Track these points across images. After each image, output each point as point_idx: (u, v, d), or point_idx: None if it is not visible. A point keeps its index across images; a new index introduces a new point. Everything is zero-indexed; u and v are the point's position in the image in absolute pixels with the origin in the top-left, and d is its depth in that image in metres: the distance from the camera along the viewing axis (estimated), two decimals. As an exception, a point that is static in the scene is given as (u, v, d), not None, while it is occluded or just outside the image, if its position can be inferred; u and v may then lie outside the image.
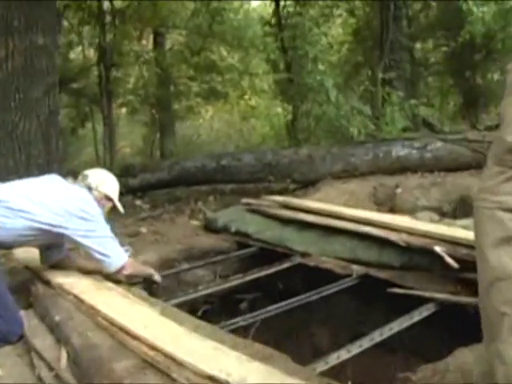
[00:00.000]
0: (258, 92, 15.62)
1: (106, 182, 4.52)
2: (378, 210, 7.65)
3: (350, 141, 9.54)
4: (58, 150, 7.62)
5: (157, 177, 9.74)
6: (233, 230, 6.29)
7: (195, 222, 7.03)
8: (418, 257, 4.67)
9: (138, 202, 9.30)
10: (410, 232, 4.84)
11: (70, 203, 4.19)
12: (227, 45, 15.44)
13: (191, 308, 5.56)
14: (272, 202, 6.57)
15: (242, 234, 6.17)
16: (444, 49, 14.12)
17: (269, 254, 5.77)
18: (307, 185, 8.75)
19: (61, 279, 4.44)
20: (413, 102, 10.30)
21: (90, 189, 4.40)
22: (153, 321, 3.63)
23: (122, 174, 9.67)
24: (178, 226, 6.99)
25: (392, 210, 7.58)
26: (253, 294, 6.13)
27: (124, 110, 16.38)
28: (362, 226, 5.22)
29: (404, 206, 7.53)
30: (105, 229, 4.32)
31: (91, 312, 3.86)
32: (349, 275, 4.86)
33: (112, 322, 3.62)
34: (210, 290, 5.10)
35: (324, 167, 8.78)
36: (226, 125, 18.31)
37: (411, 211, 7.38)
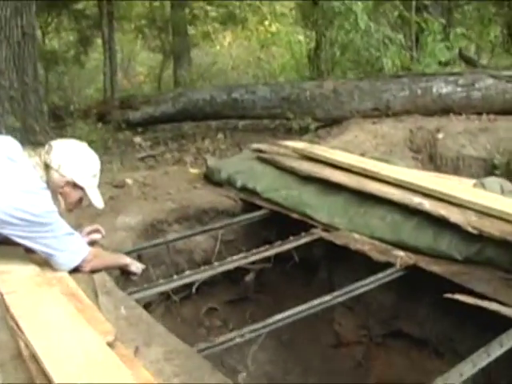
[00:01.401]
0: (279, 17, 13.94)
1: (75, 161, 3.15)
2: (415, 158, 6.23)
3: (381, 74, 7.96)
4: (36, 79, 6.18)
5: (160, 110, 8.35)
6: (238, 184, 4.83)
7: (194, 171, 5.56)
8: (492, 249, 3.20)
9: (138, 139, 7.86)
10: (482, 211, 3.32)
11: (7, 199, 2.88)
12: (246, -35, 13.69)
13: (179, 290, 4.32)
14: (289, 149, 5.04)
15: (249, 191, 4.71)
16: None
17: (282, 219, 4.34)
18: (331, 124, 7.35)
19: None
20: (459, 30, 8.57)
21: (48, 168, 3.08)
22: (89, 357, 2.27)
23: (122, 106, 8.27)
24: (174, 175, 5.52)
25: (431, 159, 6.14)
26: (261, 264, 4.79)
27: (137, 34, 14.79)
28: (411, 195, 3.71)
29: (446, 154, 6.25)
30: (55, 229, 3.05)
31: (12, 330, 2.51)
32: (389, 264, 3.40)
33: (31, 353, 2.32)
34: (201, 275, 3.66)
35: (351, 104, 7.33)
36: (244, 52, 16.72)
37: (455, 161, 5.98)
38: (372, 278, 3.28)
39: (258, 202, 4.53)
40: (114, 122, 8.45)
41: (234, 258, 3.76)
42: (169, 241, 4.20)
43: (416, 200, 3.62)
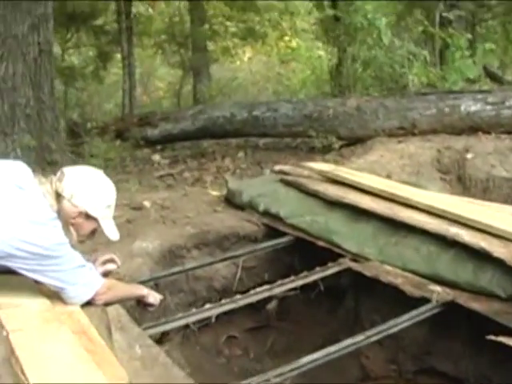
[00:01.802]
0: (299, 32, 13.71)
1: (89, 190, 2.89)
2: (443, 179, 5.94)
3: (406, 92, 7.67)
4: (52, 96, 5.98)
5: (179, 127, 8.10)
6: (261, 208, 4.58)
7: (214, 193, 5.32)
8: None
9: (157, 157, 7.63)
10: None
11: (12, 230, 2.63)
12: (266, -19, 13.47)
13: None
14: (314, 171, 4.78)
15: (272, 216, 4.46)
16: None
17: (308, 246, 4.09)
18: (355, 142, 7.04)
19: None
20: (488, 46, 8.27)
21: (59, 197, 2.82)
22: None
23: (141, 123, 8.08)
24: (193, 196, 5.28)
25: (460, 180, 5.86)
26: (284, 291, 4.55)
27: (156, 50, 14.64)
28: (447, 225, 3.44)
29: (476, 175, 5.90)
30: (66, 262, 2.79)
31: (17, 376, 2.29)
32: (425, 300, 3.13)
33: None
34: (221, 309, 3.41)
35: (376, 122, 6.99)
36: (264, 67, 16.50)
37: (484, 182, 5.72)
38: (407, 316, 3.02)
39: (282, 228, 4.29)
40: (132, 140, 8.25)
41: (258, 290, 3.53)
42: (188, 269, 3.97)
43: (453, 230, 3.34)
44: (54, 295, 2.91)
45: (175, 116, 8.30)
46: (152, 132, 8.20)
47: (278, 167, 5.10)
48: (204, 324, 4.77)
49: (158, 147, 8.27)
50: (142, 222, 4.66)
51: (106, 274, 3.24)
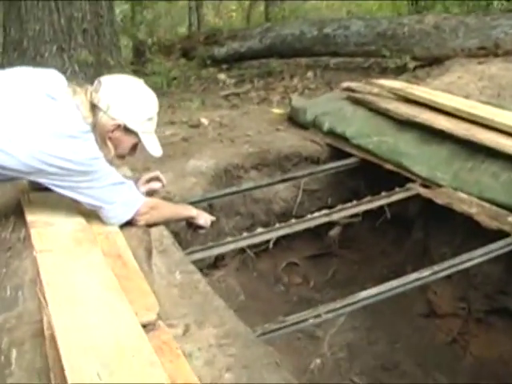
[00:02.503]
0: None
1: (128, 101, 2.57)
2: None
3: (490, 9, 6.97)
4: (111, 11, 5.66)
5: (247, 46, 7.67)
6: (325, 127, 4.20)
7: (277, 111, 4.94)
8: None
9: (222, 76, 7.26)
10: None
11: (40, 144, 2.37)
12: None
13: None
14: (384, 88, 4.34)
15: (337, 136, 4.07)
16: None
17: (374, 170, 3.71)
18: (431, 63, 6.47)
19: (34, 217, 2.65)
20: None
21: (95, 109, 2.52)
22: (116, 347, 1.75)
23: (207, 42, 7.69)
24: (254, 115, 4.92)
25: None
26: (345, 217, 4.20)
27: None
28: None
29: None
30: (101, 178, 2.54)
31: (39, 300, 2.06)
32: (502, 233, 2.71)
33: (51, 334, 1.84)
34: (275, 233, 3.08)
35: (455, 41, 6.37)
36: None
37: None
38: (481, 251, 2.62)
39: (347, 149, 3.91)
40: (198, 59, 7.89)
41: (316, 215, 3.17)
42: (244, 190, 3.63)
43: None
44: (92, 215, 2.66)
45: (243, 34, 7.86)
46: (219, 51, 7.82)
47: (345, 84, 4.67)
48: (262, 249, 4.52)
49: (224, 66, 7.88)
50: (198, 140, 4.36)
51: (150, 194, 2.97)
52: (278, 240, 4.62)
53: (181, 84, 7.15)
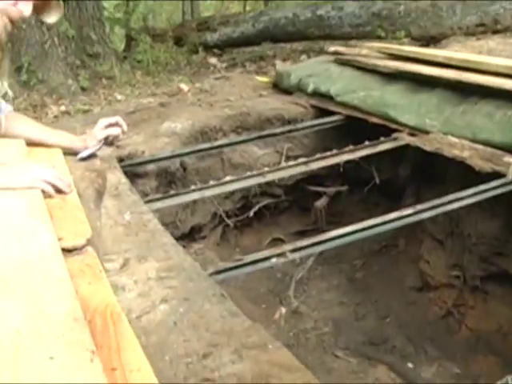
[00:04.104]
0: None
1: None
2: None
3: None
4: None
5: (240, 30, 7.34)
6: (310, 88, 3.88)
7: (262, 79, 4.62)
8: None
9: (213, 60, 6.94)
10: None
11: None
12: None
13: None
14: (373, 49, 4.03)
15: (322, 96, 3.74)
16: None
17: (360, 126, 3.37)
18: (428, 42, 6.14)
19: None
20: None
21: None
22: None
23: (200, 28, 7.40)
24: (237, 82, 4.61)
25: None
26: (335, 187, 3.95)
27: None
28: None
29: None
30: None
31: None
32: (497, 175, 2.38)
33: None
34: (245, 183, 2.73)
35: (452, 19, 6.08)
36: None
37: None
38: (470, 191, 2.28)
39: (332, 108, 3.57)
40: (190, 45, 7.57)
41: (291, 163, 2.82)
42: (217, 146, 3.29)
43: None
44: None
45: (235, 19, 7.53)
46: (211, 36, 7.50)
47: (332, 48, 4.36)
48: (244, 223, 4.20)
49: (217, 52, 7.57)
50: (176, 105, 4.03)
51: (111, 143, 2.63)
52: (263, 214, 4.31)
53: (169, 66, 6.86)
